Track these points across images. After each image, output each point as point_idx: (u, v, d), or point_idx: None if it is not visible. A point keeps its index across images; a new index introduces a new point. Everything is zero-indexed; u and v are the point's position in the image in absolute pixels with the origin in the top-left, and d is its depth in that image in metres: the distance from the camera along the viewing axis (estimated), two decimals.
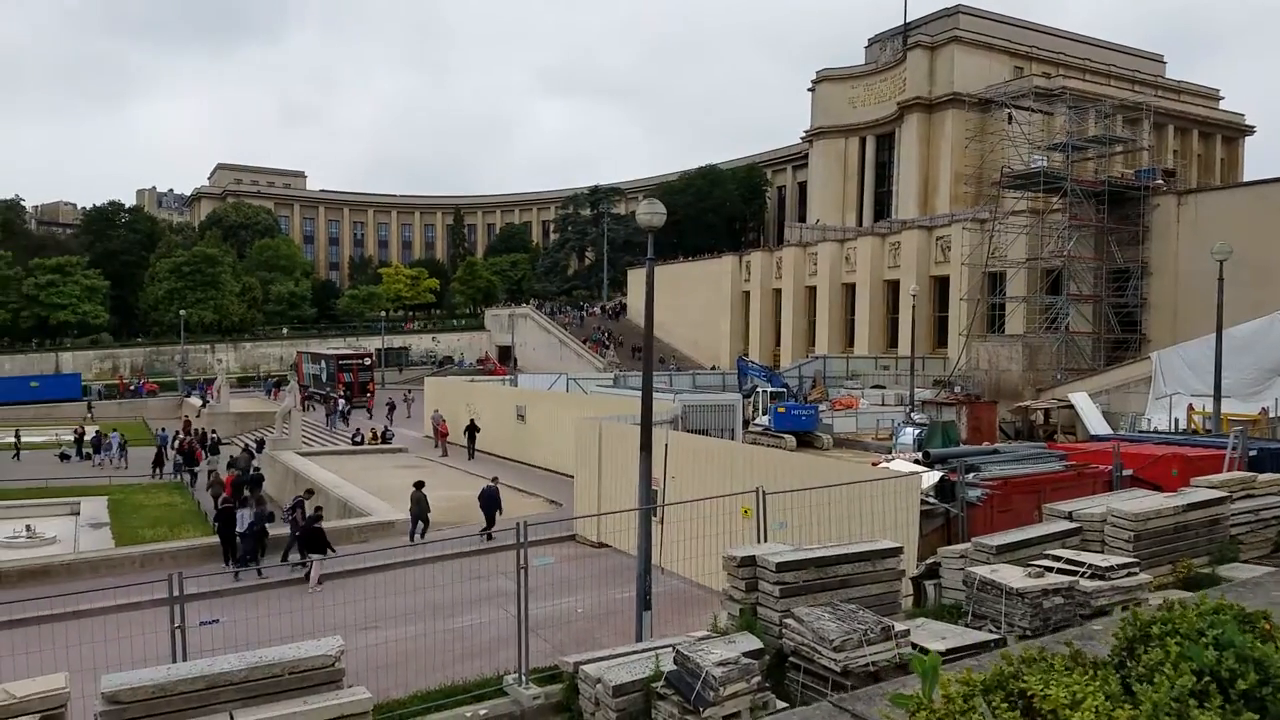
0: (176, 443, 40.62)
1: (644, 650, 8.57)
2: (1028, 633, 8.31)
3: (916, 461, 17.31)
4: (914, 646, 7.80)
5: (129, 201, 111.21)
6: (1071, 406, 37.07)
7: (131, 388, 71.39)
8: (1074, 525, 11.01)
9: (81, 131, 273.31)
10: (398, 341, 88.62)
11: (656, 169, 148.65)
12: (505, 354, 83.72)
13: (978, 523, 14.10)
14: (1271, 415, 29.71)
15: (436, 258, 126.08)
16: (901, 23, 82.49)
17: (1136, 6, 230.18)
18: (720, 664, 7.24)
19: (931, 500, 14.74)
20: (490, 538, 20.04)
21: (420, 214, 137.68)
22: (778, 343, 71.75)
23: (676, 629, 11.08)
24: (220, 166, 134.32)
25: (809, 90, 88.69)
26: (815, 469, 16.18)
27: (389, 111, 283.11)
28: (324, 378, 63.68)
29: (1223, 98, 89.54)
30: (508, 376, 55.00)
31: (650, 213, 12.31)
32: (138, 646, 8.57)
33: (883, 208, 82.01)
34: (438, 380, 53.47)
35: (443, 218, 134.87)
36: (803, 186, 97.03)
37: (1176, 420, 32.22)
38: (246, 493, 23.08)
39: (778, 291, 72.28)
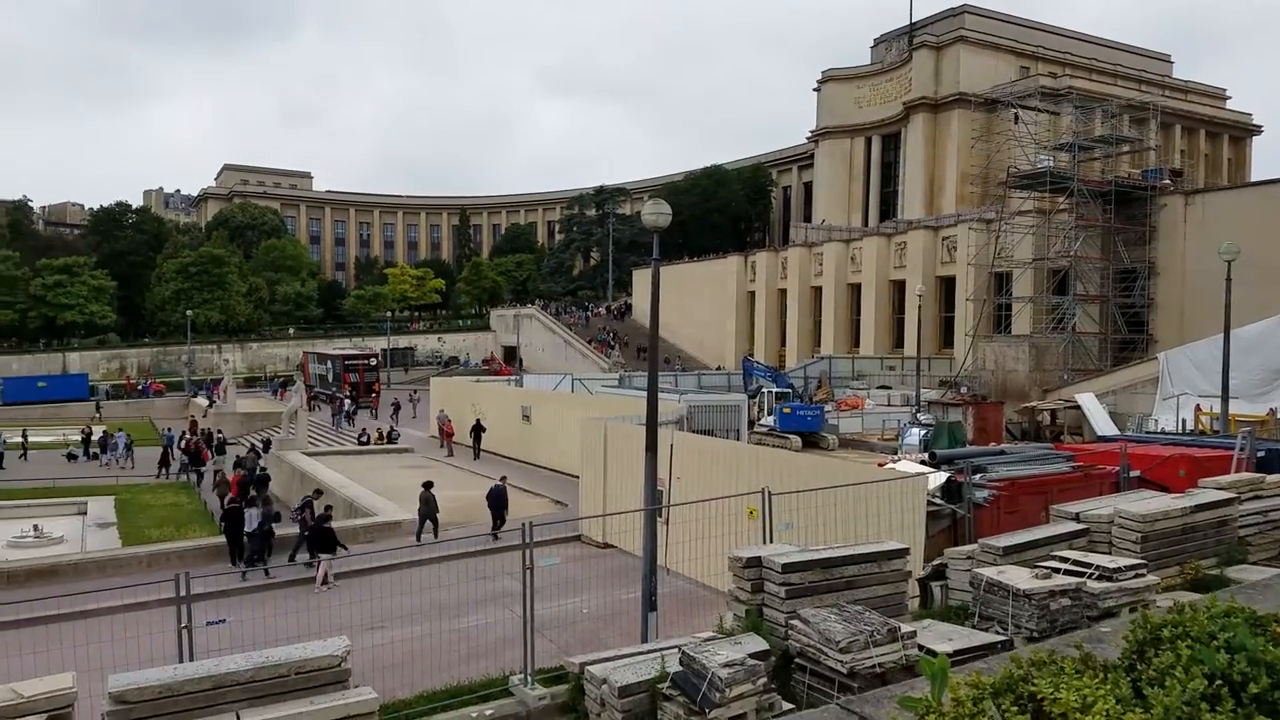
0: (183, 443, 40.73)
1: (649, 651, 8.56)
2: (1035, 634, 8.28)
3: (923, 462, 17.27)
4: (920, 648, 7.78)
5: (136, 202, 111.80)
6: (1078, 407, 36.93)
7: (139, 388, 71.65)
8: (1081, 526, 10.96)
9: (88, 132, 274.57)
10: (403, 342, 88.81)
11: (661, 169, 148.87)
12: (510, 354, 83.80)
13: (984, 524, 14.05)
14: None
15: (442, 258, 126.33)
16: (907, 23, 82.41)
17: (1143, 6, 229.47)
18: (726, 665, 7.22)
19: (938, 501, 14.69)
20: (496, 537, 20.10)
21: (426, 214, 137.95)
22: (783, 343, 71.66)
23: (682, 630, 11.06)
24: (227, 167, 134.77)
25: (814, 90, 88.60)
26: (821, 470, 16.15)
27: (393, 112, 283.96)
28: (330, 378, 63.86)
29: (1230, 97, 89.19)
30: (513, 377, 55.07)
31: (656, 213, 12.30)
32: (144, 646, 8.59)
33: (888, 208, 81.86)
34: (443, 380, 53.56)
35: (448, 218, 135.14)
36: (808, 186, 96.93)
37: (1184, 421, 32.08)
38: (253, 492, 23.15)
39: (783, 292, 72.20)
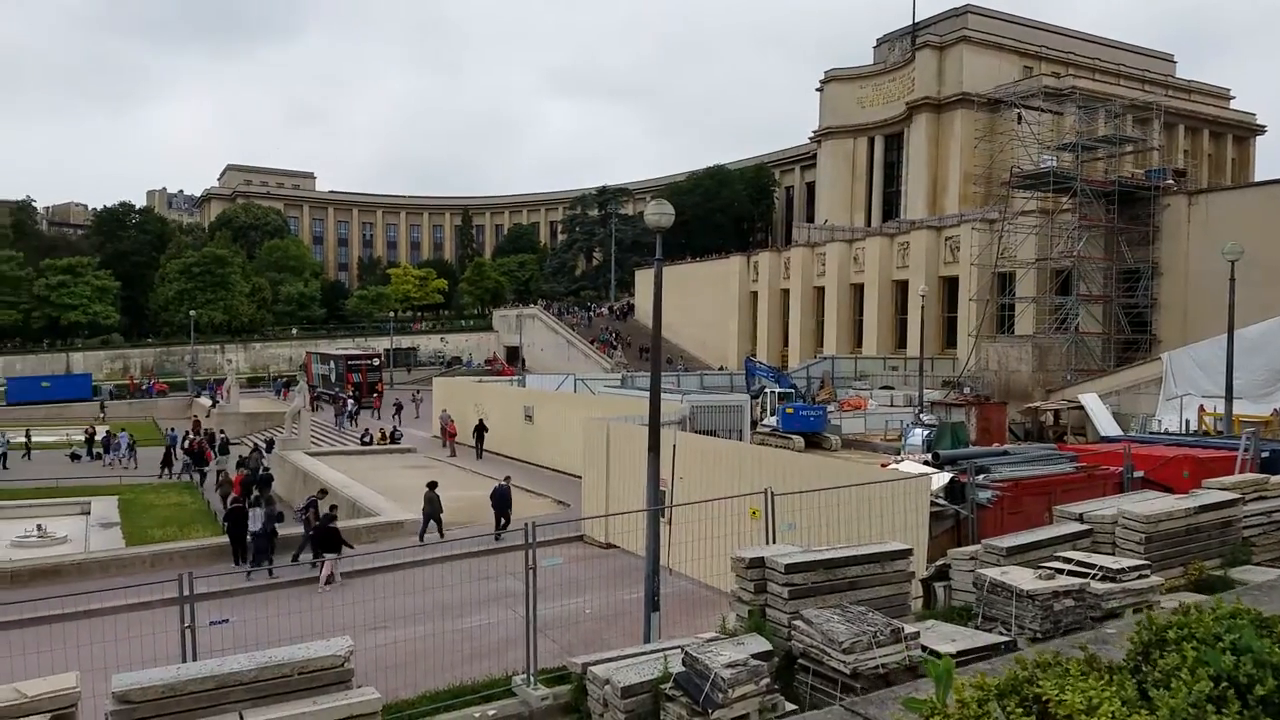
0: (186, 443, 40.79)
1: (652, 651, 8.55)
2: (1038, 635, 8.26)
3: (926, 463, 17.24)
4: (924, 649, 7.76)
5: (139, 202, 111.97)
6: (1081, 407, 36.87)
7: (142, 388, 71.78)
8: (1085, 527, 10.93)
9: (91, 132, 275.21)
10: (406, 342, 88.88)
11: (664, 169, 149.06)
12: (513, 354, 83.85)
13: (988, 524, 14.03)
14: None
15: (445, 258, 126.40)
16: (910, 23, 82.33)
17: (1146, 6, 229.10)
18: (729, 665, 7.21)
19: (941, 502, 14.66)
20: (498, 537, 20.14)
21: (428, 215, 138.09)
22: (785, 343, 71.61)
23: (684, 630, 11.06)
24: (230, 168, 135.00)
25: (817, 90, 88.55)
26: (824, 470, 16.14)
27: (396, 112, 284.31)
28: (333, 378, 63.92)
29: (1233, 97, 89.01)
30: (515, 377, 55.09)
31: (659, 213, 12.30)
32: (148, 646, 8.60)
33: (891, 208, 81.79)
34: (446, 380, 53.59)
35: (451, 218, 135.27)
36: (811, 187, 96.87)
37: (1187, 421, 32.01)
38: (256, 492, 23.17)
39: (786, 292, 72.16)
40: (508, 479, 23.25)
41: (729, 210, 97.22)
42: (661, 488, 14.11)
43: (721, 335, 76.96)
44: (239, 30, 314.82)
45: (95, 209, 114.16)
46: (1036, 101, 55.01)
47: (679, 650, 7.88)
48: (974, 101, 68.06)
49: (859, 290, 66.06)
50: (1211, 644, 3.01)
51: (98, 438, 46.10)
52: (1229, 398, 24.75)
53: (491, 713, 9.05)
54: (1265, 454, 17.10)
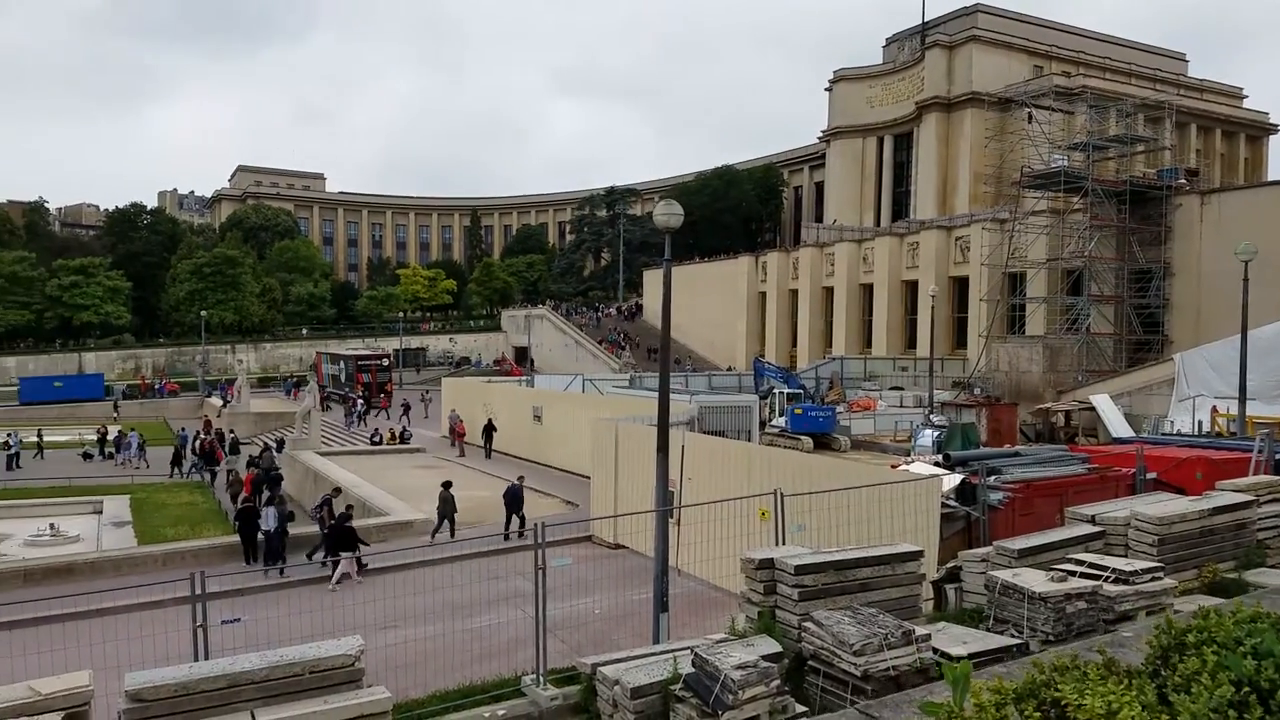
0: (197, 442, 41.00)
1: (662, 652, 8.53)
2: (1050, 638, 8.21)
3: (936, 464, 17.16)
4: (935, 651, 7.72)
5: (150, 203, 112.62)
6: (1093, 409, 36.63)
7: (154, 388, 72.20)
8: (1097, 529, 10.86)
9: (102, 134, 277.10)
10: (415, 342, 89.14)
11: (672, 169, 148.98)
12: (522, 355, 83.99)
13: (999, 526, 13.95)
14: None
15: (454, 259, 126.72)
16: (919, 22, 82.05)
17: (1158, 5, 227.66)
18: (739, 667, 7.19)
19: (952, 503, 14.60)
20: (507, 537, 20.19)
21: (437, 215, 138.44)
22: (794, 344, 71.46)
23: (694, 631, 11.04)
24: (240, 169, 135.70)
25: (826, 90, 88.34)
26: (833, 471, 16.08)
27: (402, 112, 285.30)
28: (343, 378, 64.16)
29: (1246, 96, 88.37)
30: (524, 377, 55.14)
31: (668, 214, 12.27)
32: (160, 645, 8.64)
33: (901, 208, 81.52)
34: (455, 381, 53.69)
35: (460, 219, 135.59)
36: (820, 187, 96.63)
37: (1200, 423, 31.78)
38: (269, 492, 23.27)
39: (794, 292, 72.01)
40: (521, 479, 23.27)
41: (737, 210, 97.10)
42: (670, 488, 14.09)
43: (730, 336, 76.86)
44: (247, 32, 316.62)
45: (107, 210, 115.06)
46: (1047, 101, 54.73)
47: (688, 651, 7.86)
48: (984, 101, 67.75)
49: (868, 290, 65.85)
50: (1232, 648, 2.97)
51: (110, 437, 46.38)
52: (1242, 399, 24.55)
53: (501, 713, 9.05)
54: (1279, 456, 16.96)
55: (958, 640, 8.19)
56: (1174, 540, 10.61)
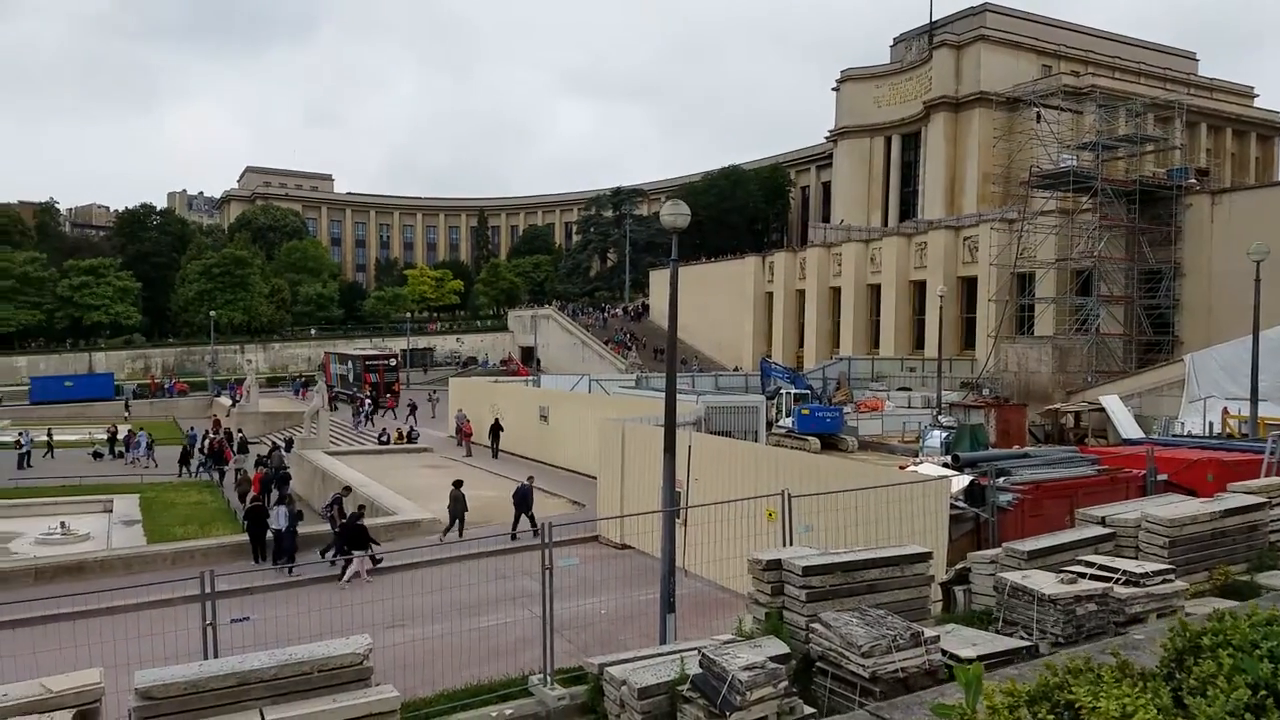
0: (205, 442, 41.17)
1: (669, 653, 8.52)
2: (1060, 640, 8.16)
3: (945, 465, 17.10)
4: (944, 653, 7.69)
5: (160, 204, 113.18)
6: (1102, 409, 36.45)
7: (163, 388, 72.55)
8: (1107, 530, 10.80)
9: (113, 135, 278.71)
10: (423, 342, 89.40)
11: (679, 169, 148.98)
12: (528, 355, 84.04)
13: (1008, 528, 13.89)
14: None
15: (461, 259, 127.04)
16: (927, 21, 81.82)
17: (1168, 3, 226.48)
18: (746, 668, 7.17)
19: (961, 504, 14.54)
20: (514, 537, 20.23)
21: (445, 216, 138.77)
22: (801, 344, 71.31)
23: (700, 632, 11.02)
24: (249, 169, 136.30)
25: (833, 90, 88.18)
26: (841, 472, 16.04)
27: (412, 114, 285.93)
28: (351, 378, 64.35)
29: (1257, 95, 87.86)
30: (530, 377, 55.20)
31: (674, 214, 12.26)
32: (170, 643, 8.68)
33: (908, 208, 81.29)
34: (462, 381, 53.80)
35: (467, 219, 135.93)
36: (827, 186, 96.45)
37: (1211, 424, 31.58)
38: (278, 491, 23.35)
39: (801, 292, 71.86)
40: (530, 479, 23.29)
41: (744, 210, 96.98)
42: (677, 489, 14.07)
43: (737, 336, 76.76)
44: (256, 33, 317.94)
45: (117, 210, 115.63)
46: (1056, 100, 54.50)
47: (695, 652, 7.84)
48: (992, 100, 67.50)
49: (876, 291, 65.67)
50: (1248, 651, 2.94)
51: (120, 437, 46.62)
52: (1254, 400, 24.40)
53: (509, 712, 9.05)
54: None
55: (967, 642, 8.16)
56: (1185, 542, 10.55)
